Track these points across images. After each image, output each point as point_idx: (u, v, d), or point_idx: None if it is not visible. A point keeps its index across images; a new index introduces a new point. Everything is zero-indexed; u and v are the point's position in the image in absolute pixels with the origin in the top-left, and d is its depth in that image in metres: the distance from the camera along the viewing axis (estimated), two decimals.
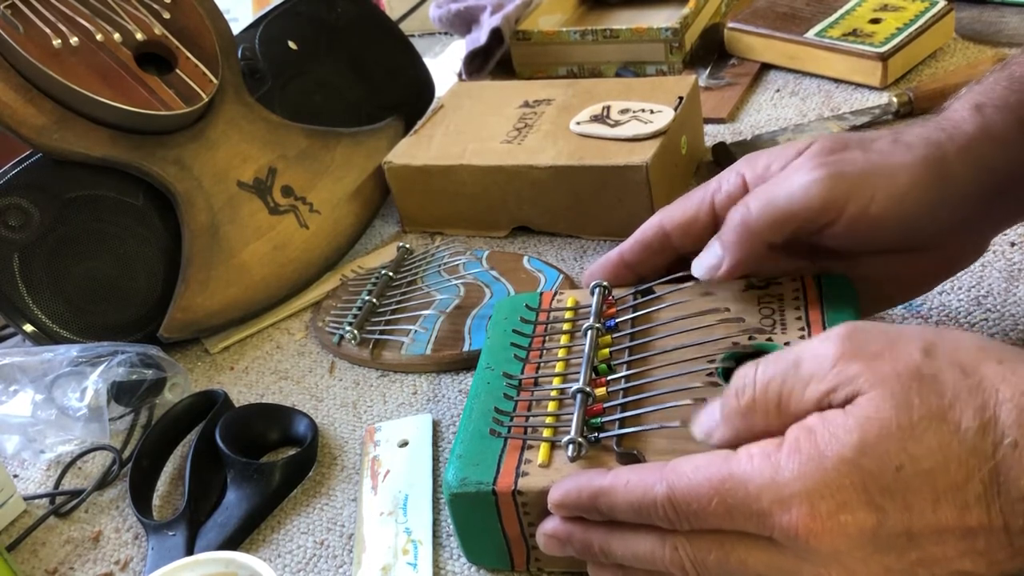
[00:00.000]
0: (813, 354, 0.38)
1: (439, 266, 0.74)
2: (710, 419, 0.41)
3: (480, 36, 0.99)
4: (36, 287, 0.69)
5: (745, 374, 0.40)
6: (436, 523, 0.54)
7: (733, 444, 0.39)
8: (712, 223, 0.52)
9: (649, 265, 0.54)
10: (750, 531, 0.37)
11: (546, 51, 0.99)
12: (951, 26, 0.89)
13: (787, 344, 0.48)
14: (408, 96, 0.93)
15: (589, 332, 0.52)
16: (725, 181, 0.52)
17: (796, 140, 0.51)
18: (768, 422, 0.39)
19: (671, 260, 0.54)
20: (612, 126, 0.74)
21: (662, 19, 0.99)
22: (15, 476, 0.67)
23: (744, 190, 0.51)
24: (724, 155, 0.79)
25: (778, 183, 0.48)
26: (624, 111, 0.76)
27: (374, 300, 0.71)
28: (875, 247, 0.49)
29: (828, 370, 0.37)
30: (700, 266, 0.50)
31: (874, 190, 0.46)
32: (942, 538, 0.34)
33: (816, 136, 0.50)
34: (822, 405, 0.37)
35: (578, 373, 0.49)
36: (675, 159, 0.75)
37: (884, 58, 0.84)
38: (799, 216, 0.47)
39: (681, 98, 0.76)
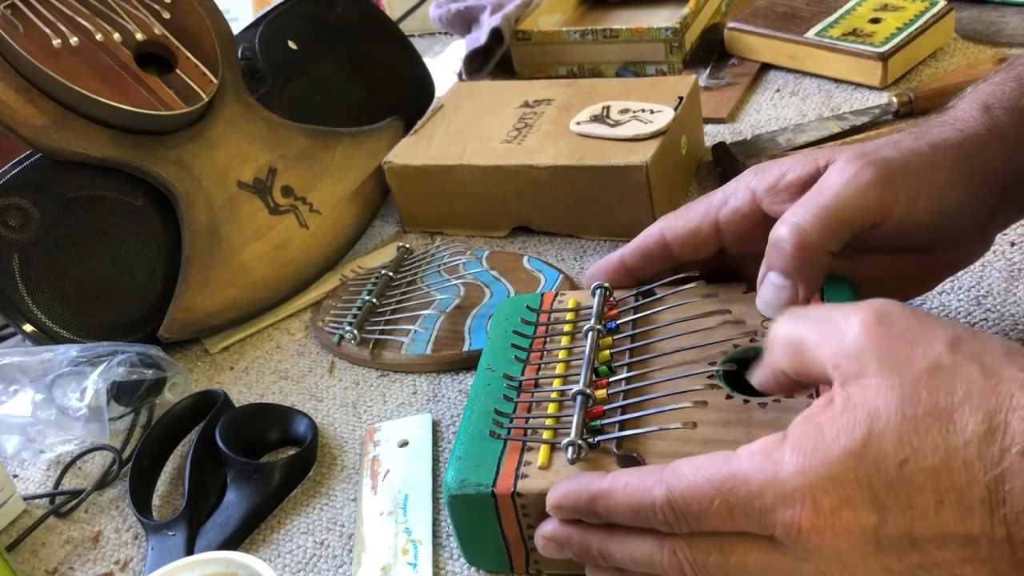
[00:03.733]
0: (844, 313, 0.38)
1: (439, 266, 0.74)
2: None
3: (480, 36, 0.99)
4: (36, 287, 0.69)
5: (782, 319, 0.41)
6: (436, 523, 0.54)
7: (767, 386, 0.41)
8: (715, 237, 0.51)
9: (649, 271, 0.54)
10: (751, 531, 0.37)
11: (546, 51, 0.99)
12: (951, 26, 0.89)
13: None
14: (408, 96, 0.93)
15: (590, 334, 0.52)
16: (732, 196, 0.51)
17: (810, 151, 0.50)
18: (786, 363, 0.40)
19: (672, 268, 0.54)
20: (612, 126, 0.74)
21: (662, 19, 0.99)
22: (15, 476, 0.67)
23: (753, 205, 0.50)
24: (724, 155, 0.79)
25: (823, 191, 0.47)
26: (624, 111, 0.76)
27: (374, 300, 0.71)
28: (904, 246, 0.49)
29: (849, 333, 0.37)
30: (768, 305, 0.47)
31: (918, 190, 0.46)
32: (944, 543, 0.34)
33: (835, 148, 0.49)
34: (832, 372, 0.37)
35: (578, 375, 0.49)
36: (675, 159, 0.75)
37: (884, 58, 0.84)
38: (857, 218, 0.46)
39: (681, 98, 0.76)
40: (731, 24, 0.94)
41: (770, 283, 0.47)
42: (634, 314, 0.53)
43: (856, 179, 0.46)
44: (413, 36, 1.02)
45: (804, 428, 0.36)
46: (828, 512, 0.35)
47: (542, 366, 0.52)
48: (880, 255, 0.50)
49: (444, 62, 1.12)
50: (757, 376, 0.42)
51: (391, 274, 0.74)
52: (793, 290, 0.46)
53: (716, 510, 0.37)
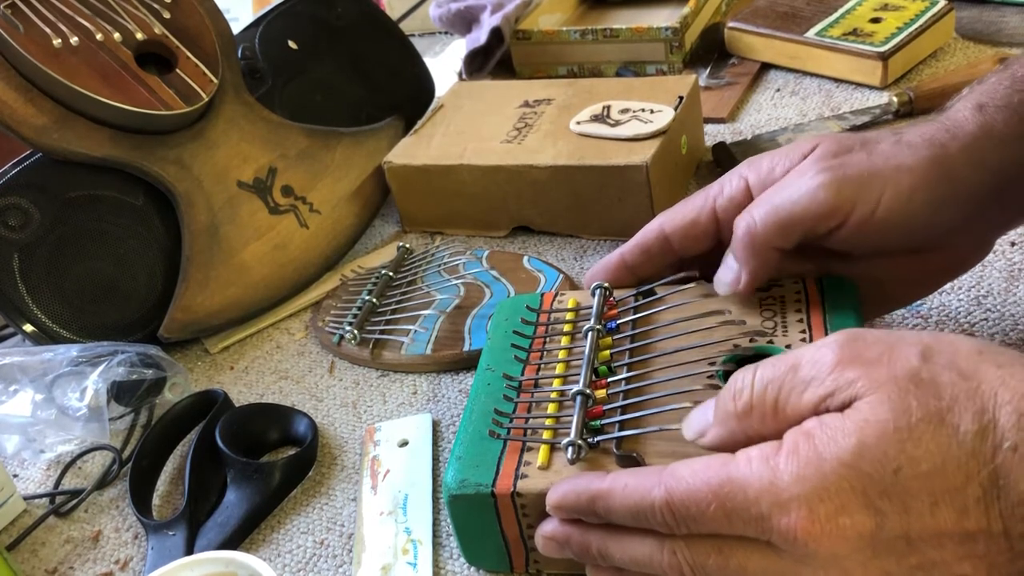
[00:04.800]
0: (811, 359, 0.38)
1: (439, 266, 0.74)
2: (702, 420, 0.41)
3: (480, 36, 0.99)
4: (36, 287, 0.69)
5: (742, 377, 0.40)
6: (436, 523, 0.54)
7: (727, 446, 0.39)
8: (713, 227, 0.52)
9: (650, 268, 0.54)
10: (749, 535, 0.37)
11: (546, 51, 0.99)
12: (951, 26, 0.89)
13: (788, 347, 0.48)
14: (408, 96, 0.93)
15: (590, 334, 0.52)
16: (727, 185, 0.52)
17: (799, 141, 0.51)
18: (764, 425, 0.39)
19: (672, 263, 0.54)
20: (612, 126, 0.74)
21: (662, 19, 0.99)
22: (15, 476, 0.67)
23: (746, 194, 0.51)
24: (724, 155, 0.79)
25: (781, 189, 0.48)
26: (624, 111, 0.76)
27: (374, 300, 0.71)
28: (881, 249, 0.49)
29: (826, 375, 0.37)
30: (720, 283, 0.51)
31: (880, 192, 0.46)
32: (941, 542, 0.34)
33: (819, 137, 0.50)
34: (819, 410, 0.37)
35: (578, 375, 0.49)
36: (675, 159, 0.75)
37: (884, 58, 0.84)
38: (805, 221, 0.47)
39: (681, 97, 0.76)
40: (731, 24, 0.94)
41: (726, 264, 0.50)
42: (634, 314, 0.53)
43: (809, 182, 0.47)
44: (413, 36, 1.02)
45: (798, 437, 0.36)
46: (824, 520, 0.35)
47: (542, 366, 0.52)
48: (880, 257, 0.50)
49: (444, 62, 1.12)
50: (709, 436, 0.41)
51: (391, 274, 0.74)
52: (737, 273, 0.49)
53: (713, 514, 0.37)
